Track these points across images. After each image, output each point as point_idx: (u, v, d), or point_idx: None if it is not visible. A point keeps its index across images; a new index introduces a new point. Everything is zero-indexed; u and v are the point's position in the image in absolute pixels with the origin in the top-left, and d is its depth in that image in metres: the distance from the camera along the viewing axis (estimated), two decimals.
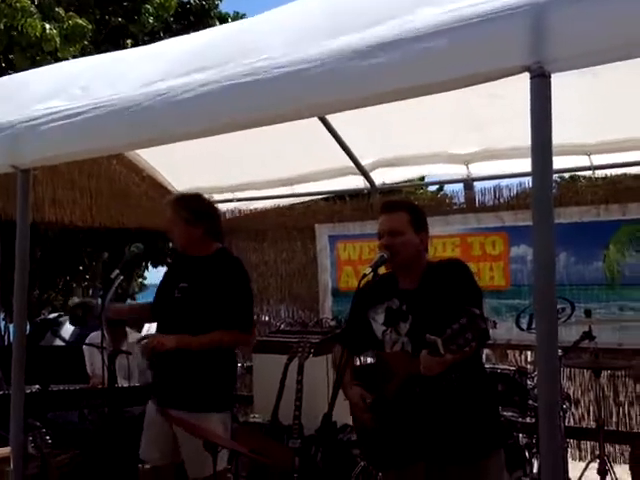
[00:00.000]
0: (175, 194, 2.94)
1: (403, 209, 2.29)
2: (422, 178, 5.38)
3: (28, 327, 8.99)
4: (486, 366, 3.98)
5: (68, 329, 6.61)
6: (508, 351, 4.41)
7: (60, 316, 7.11)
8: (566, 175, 4.42)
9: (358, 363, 2.57)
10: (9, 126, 2.45)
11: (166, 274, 3.04)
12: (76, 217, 4.74)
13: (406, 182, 4.82)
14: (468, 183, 4.86)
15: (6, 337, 9.57)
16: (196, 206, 2.83)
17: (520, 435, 3.47)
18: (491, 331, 4.49)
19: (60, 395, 3.83)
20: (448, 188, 4.93)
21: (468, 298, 2.15)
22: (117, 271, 2.58)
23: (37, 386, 3.78)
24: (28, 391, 3.80)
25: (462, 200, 4.68)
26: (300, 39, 1.99)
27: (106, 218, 4.90)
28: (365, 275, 2.18)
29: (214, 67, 2.18)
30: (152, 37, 7.39)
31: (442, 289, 2.17)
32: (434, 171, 4.61)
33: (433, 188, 8.54)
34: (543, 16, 1.40)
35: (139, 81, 2.38)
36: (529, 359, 4.29)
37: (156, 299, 2.93)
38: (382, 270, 2.32)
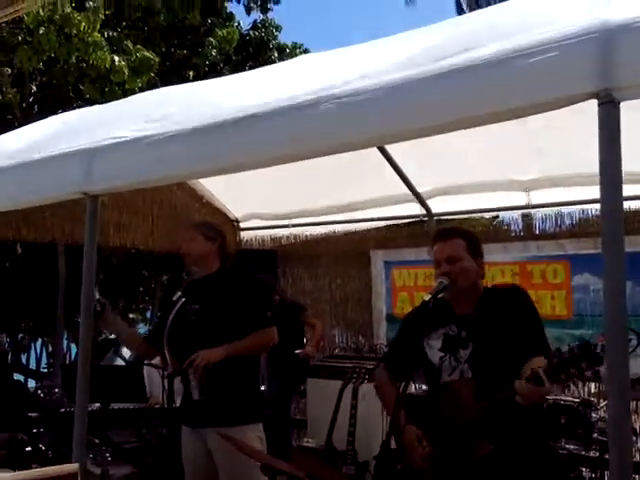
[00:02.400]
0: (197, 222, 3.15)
1: (458, 236, 2.27)
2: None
3: None
4: (549, 397, 3.90)
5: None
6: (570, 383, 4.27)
7: None
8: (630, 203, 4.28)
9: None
10: (82, 153, 2.57)
11: (168, 304, 2.99)
12: (138, 241, 4.91)
13: (464, 211, 4.77)
14: (527, 211, 4.79)
15: (67, 356, 9.88)
16: (212, 225, 3.11)
17: (583, 469, 3.35)
18: None
19: (119, 414, 3.93)
20: (506, 216, 4.85)
21: (534, 324, 2.12)
22: (179, 293, 2.63)
23: (97, 404, 3.88)
24: (90, 409, 3.94)
25: (520, 227, 4.61)
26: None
27: (166, 243, 5.04)
28: (425, 302, 2.17)
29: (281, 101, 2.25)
30: (213, 68, 7.63)
31: (501, 315, 2.13)
32: (492, 199, 4.55)
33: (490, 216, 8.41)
34: (612, 43, 1.39)
35: (211, 112, 2.48)
36: (592, 390, 4.14)
37: (161, 328, 2.86)
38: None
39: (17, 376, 8.75)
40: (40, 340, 10.27)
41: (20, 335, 10.20)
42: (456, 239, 2.25)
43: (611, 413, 1.45)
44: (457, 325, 2.24)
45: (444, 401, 2.18)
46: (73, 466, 1.21)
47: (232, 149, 2.27)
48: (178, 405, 2.99)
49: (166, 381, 3.90)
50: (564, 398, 3.62)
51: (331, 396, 3.84)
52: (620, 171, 1.45)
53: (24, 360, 10.15)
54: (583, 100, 1.50)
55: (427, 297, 2.16)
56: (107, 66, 5.35)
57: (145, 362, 4.64)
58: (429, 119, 1.75)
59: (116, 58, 5.29)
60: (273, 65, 3.23)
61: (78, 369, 2.76)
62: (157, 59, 5.79)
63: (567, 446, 3.28)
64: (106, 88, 5.29)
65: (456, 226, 2.99)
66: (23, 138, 3.24)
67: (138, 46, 5.64)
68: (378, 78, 1.90)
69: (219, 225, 3.20)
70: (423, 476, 2.19)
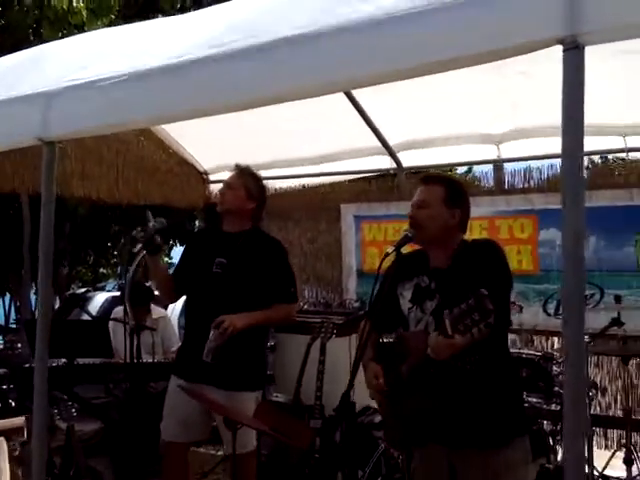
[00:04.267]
0: (243, 165, 2.99)
1: (440, 183, 2.22)
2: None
3: (57, 302, 9.18)
4: (511, 351, 3.95)
5: (96, 304, 6.70)
6: (534, 337, 4.34)
7: (88, 291, 7.21)
8: (597, 157, 4.30)
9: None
10: (35, 97, 2.43)
11: (192, 249, 3.02)
12: (103, 192, 4.77)
13: (434, 164, 4.73)
14: (498, 165, 4.76)
15: (36, 312, 9.75)
16: (261, 185, 2.97)
17: (545, 422, 3.42)
18: (517, 316, 4.46)
19: (85, 369, 3.89)
20: (477, 170, 4.82)
21: (495, 280, 2.10)
22: (140, 246, 2.56)
23: (63, 360, 3.83)
24: (55, 364, 3.89)
25: (491, 182, 4.59)
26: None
27: (132, 194, 4.92)
28: (387, 254, 2.14)
29: (241, 40, 2.14)
30: (182, 12, 7.34)
31: (472, 270, 2.10)
32: (463, 152, 4.51)
33: (463, 170, 8.41)
34: None
35: (168, 53, 2.36)
36: (556, 345, 4.21)
37: (185, 274, 2.91)
38: (408, 248, 2.27)
39: None
40: (8, 295, 10.09)
41: None
42: (436, 185, 2.21)
43: (566, 365, 1.43)
44: (429, 277, 2.22)
45: (396, 352, 2.18)
46: (18, 420, 1.17)
47: (192, 93, 2.15)
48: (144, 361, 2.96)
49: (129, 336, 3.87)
50: (526, 352, 3.68)
51: (299, 351, 3.84)
52: (582, 119, 1.40)
53: None
54: (548, 46, 1.44)
55: (390, 249, 2.14)
56: (65, 7, 5.11)
57: (110, 317, 4.59)
58: (389, 64, 1.67)
59: None
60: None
61: (38, 323, 2.68)
62: (117, 0, 5.55)
63: (529, 399, 3.34)
64: (65, 31, 5.07)
65: (443, 174, 2.93)
66: None
67: None
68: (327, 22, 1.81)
69: (265, 189, 3.03)
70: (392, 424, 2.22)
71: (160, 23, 3.39)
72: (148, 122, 2.73)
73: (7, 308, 9.96)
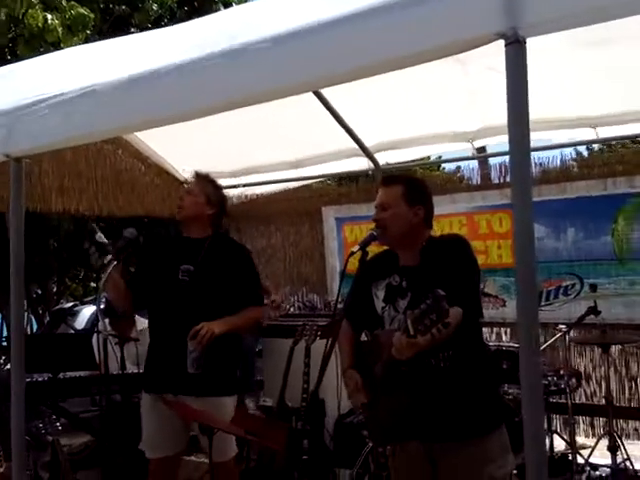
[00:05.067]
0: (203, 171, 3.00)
1: (398, 182, 2.25)
2: (428, 157, 5.34)
3: (48, 317, 9.16)
4: (490, 344, 3.98)
5: (83, 318, 6.69)
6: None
7: (75, 305, 7.20)
8: (570, 149, 4.34)
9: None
10: (2, 114, 2.45)
11: (149, 258, 2.95)
12: (83, 206, 4.77)
13: (409, 162, 4.76)
14: (481, 161, 4.80)
15: (28, 328, 9.71)
16: (220, 192, 2.98)
17: None
18: (500, 309, 4.50)
19: (70, 382, 3.89)
20: (452, 166, 4.87)
21: (463, 274, 2.12)
22: (110, 256, 2.56)
23: (47, 374, 3.83)
24: (40, 379, 3.89)
25: (467, 178, 4.64)
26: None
27: (113, 207, 4.92)
28: (353, 253, 2.17)
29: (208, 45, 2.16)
30: (157, 25, 7.36)
31: (440, 265, 2.12)
32: (439, 150, 4.55)
33: (450, 167, 8.45)
34: None
35: (131, 65, 2.38)
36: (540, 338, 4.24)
37: (146, 284, 2.83)
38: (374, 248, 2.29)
39: None
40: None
41: None
42: (395, 186, 2.23)
43: (521, 356, 1.46)
44: (400, 275, 2.24)
45: (370, 351, 2.20)
46: None
47: (151, 102, 2.18)
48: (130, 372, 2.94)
49: (117, 348, 3.87)
50: (506, 344, 3.71)
51: (285, 355, 3.86)
52: (527, 114, 1.42)
53: None
54: (491, 41, 1.47)
55: (355, 248, 2.16)
56: (40, 25, 5.11)
57: (95, 330, 4.58)
58: (330, 67, 1.69)
59: (49, 16, 5.05)
60: (198, 19, 3.10)
61: (12, 342, 2.67)
62: (93, 16, 5.55)
63: (510, 390, 3.36)
64: (41, 49, 5.07)
65: (401, 173, 2.95)
66: None
67: (72, 2, 5.37)
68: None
69: (224, 193, 3.05)
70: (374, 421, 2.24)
71: (129, 39, 3.42)
72: (105, 134, 2.75)
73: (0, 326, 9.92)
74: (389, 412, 2.15)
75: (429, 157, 5.11)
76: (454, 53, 1.51)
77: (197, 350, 2.58)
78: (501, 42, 1.44)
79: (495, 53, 1.55)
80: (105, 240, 2.69)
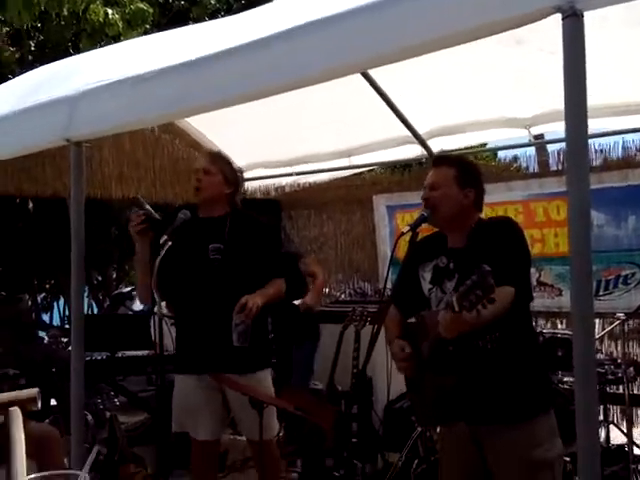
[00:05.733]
0: (214, 150, 3.00)
1: (450, 164, 2.24)
2: (484, 144, 5.24)
3: (108, 301, 9.48)
4: (544, 331, 3.89)
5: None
6: None
7: (134, 289, 7.43)
8: (633, 136, 4.17)
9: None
10: (63, 101, 2.56)
11: (170, 239, 2.70)
12: (141, 194, 4.91)
13: (464, 149, 4.69)
14: (539, 147, 4.69)
15: (89, 312, 10.08)
16: (234, 169, 2.98)
17: None
18: (556, 299, 4.39)
19: (127, 361, 4.03)
20: (509, 153, 4.76)
21: (512, 257, 2.09)
22: (165, 237, 2.53)
23: (107, 353, 3.99)
24: (100, 358, 4.06)
25: (523, 165, 4.54)
26: None
27: (170, 194, 5.06)
28: (403, 234, 2.17)
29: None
30: (214, 19, 7.48)
31: (489, 247, 2.09)
32: (494, 136, 4.46)
33: (505, 155, 8.27)
34: None
35: (186, 52, 2.44)
36: (596, 327, 4.13)
37: (171, 267, 2.65)
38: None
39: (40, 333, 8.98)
40: (62, 299, 10.47)
41: (43, 295, 10.42)
42: (446, 167, 2.22)
43: (575, 344, 1.43)
44: (447, 257, 2.23)
45: (417, 333, 2.20)
46: (32, 391, 1.25)
47: (209, 86, 2.23)
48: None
49: (172, 328, 3.98)
50: (560, 331, 3.62)
51: (335, 340, 3.89)
52: (585, 89, 1.39)
53: (48, 319, 10.39)
54: (548, 15, 1.44)
55: (405, 229, 2.17)
56: (101, 19, 5.29)
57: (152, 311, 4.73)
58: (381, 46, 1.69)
59: (109, 11, 5.23)
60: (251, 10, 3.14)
61: (72, 322, 2.80)
62: (151, 10, 5.70)
63: (565, 379, 3.29)
64: (102, 43, 5.25)
65: (453, 155, 2.91)
66: (10, 90, 3.24)
67: None
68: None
69: (236, 171, 3.04)
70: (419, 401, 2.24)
71: (185, 29, 3.51)
72: (163, 118, 2.81)
73: (62, 310, 10.33)
74: (435, 393, 2.15)
75: (485, 144, 5.01)
76: (510, 28, 1.49)
77: (244, 323, 2.58)
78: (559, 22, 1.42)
79: (554, 35, 1.53)
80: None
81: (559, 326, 4.35)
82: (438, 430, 2.39)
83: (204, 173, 2.80)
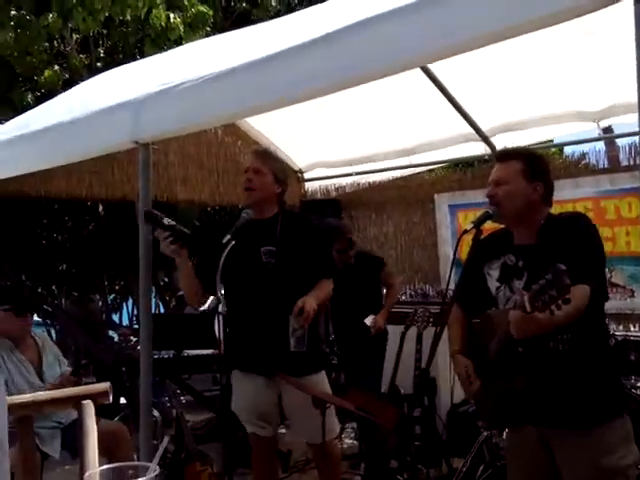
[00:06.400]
0: (262, 147, 2.96)
1: (517, 157, 2.14)
2: (550, 140, 5.08)
3: (174, 302, 9.73)
4: (617, 334, 3.73)
5: (206, 301, 7.03)
6: None
7: None
8: None
9: None
10: (130, 104, 2.63)
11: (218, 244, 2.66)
12: (205, 196, 5.04)
13: (529, 145, 4.55)
14: (609, 142, 4.51)
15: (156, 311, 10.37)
16: (284, 168, 2.91)
17: None
18: (629, 300, 4.20)
19: (192, 360, 4.11)
20: (576, 149, 4.59)
21: (586, 255, 2.00)
22: (229, 236, 2.49)
23: (173, 352, 4.08)
24: (167, 356, 4.15)
25: (594, 161, 4.37)
26: None
27: (232, 196, 5.14)
28: (466, 231, 2.11)
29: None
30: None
31: (561, 244, 2.01)
32: (560, 131, 4.32)
33: (570, 150, 8.01)
34: None
35: (248, 52, 2.48)
36: None
37: (231, 268, 2.53)
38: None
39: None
40: (131, 299, 10.82)
41: (112, 295, 10.79)
42: (513, 161, 2.13)
43: None
44: (515, 254, 2.15)
45: (483, 332, 2.14)
46: (104, 385, 1.29)
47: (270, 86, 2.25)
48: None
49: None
50: (633, 334, 3.46)
51: (396, 341, 3.85)
52: None
53: (118, 319, 10.76)
54: (616, 1, 1.37)
55: (469, 226, 2.11)
56: (163, 24, 5.43)
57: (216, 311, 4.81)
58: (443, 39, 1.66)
59: (171, 15, 5.36)
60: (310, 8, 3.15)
61: (140, 321, 2.88)
62: (211, 13, 5.81)
63: (639, 384, 3.14)
64: (165, 46, 5.39)
65: (519, 148, 2.80)
66: (79, 94, 3.37)
67: (193, 1, 5.67)
68: None
69: (286, 169, 2.99)
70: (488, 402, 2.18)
71: (244, 31, 3.56)
72: (228, 118, 2.82)
73: (131, 310, 10.66)
74: (503, 395, 2.09)
75: (551, 140, 4.85)
76: (577, 16, 1.43)
77: (302, 328, 2.54)
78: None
79: (623, 23, 1.46)
80: (173, 222, 2.60)
81: (632, 329, 4.16)
82: (505, 433, 2.32)
83: (254, 173, 2.74)
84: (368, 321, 4.12)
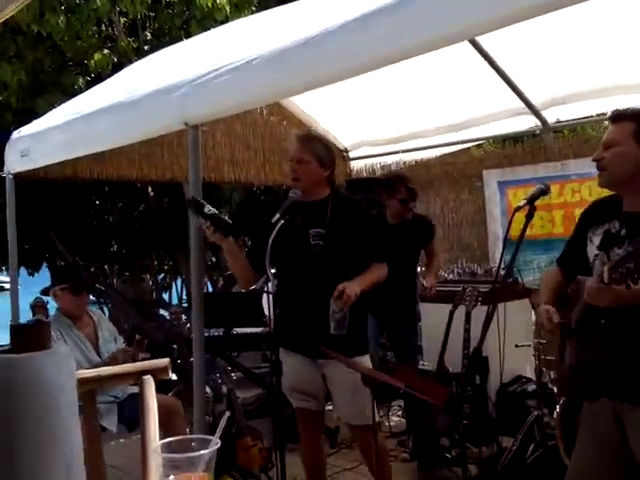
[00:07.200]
0: (304, 131, 2.90)
1: (630, 118, 2.00)
2: (604, 114, 4.90)
3: (221, 281, 9.90)
4: None
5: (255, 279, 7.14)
6: None
7: None
8: None
9: None
10: (179, 86, 2.66)
11: (282, 218, 2.62)
12: (251, 176, 5.10)
13: (583, 119, 4.41)
14: None
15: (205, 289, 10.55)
16: (328, 148, 2.85)
17: None
18: None
19: (242, 338, 4.19)
20: None
21: None
22: (277, 215, 2.51)
23: (222, 330, 4.17)
24: (217, 334, 4.24)
25: None
26: None
27: (279, 176, 5.18)
28: (519, 207, 2.07)
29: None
30: None
31: None
32: (615, 104, 4.15)
33: None
34: None
35: (292, 31, 2.47)
36: None
37: (272, 252, 2.51)
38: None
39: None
40: (180, 279, 11.04)
41: (162, 275, 11.03)
42: (625, 122, 2.00)
43: None
44: (620, 222, 2.03)
45: (573, 298, 2.07)
46: (164, 360, 1.32)
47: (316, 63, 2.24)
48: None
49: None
50: None
51: (444, 320, 3.82)
52: None
53: (167, 298, 10.99)
54: None
55: (522, 203, 2.07)
56: (209, 5, 5.45)
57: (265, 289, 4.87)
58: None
59: None
60: None
61: (192, 299, 2.93)
62: None
63: None
64: (211, 27, 5.41)
65: (635, 108, 2.64)
66: (127, 78, 3.42)
67: None
68: None
69: (332, 148, 2.91)
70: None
71: (286, 9, 3.54)
72: (274, 96, 2.81)
73: (180, 289, 10.88)
74: (583, 365, 2.03)
75: (605, 114, 4.67)
76: None
77: (342, 311, 2.53)
78: None
79: None
80: (216, 211, 2.60)
81: None
82: (555, 412, 2.26)
83: (298, 163, 2.73)
84: (425, 281, 4.17)
